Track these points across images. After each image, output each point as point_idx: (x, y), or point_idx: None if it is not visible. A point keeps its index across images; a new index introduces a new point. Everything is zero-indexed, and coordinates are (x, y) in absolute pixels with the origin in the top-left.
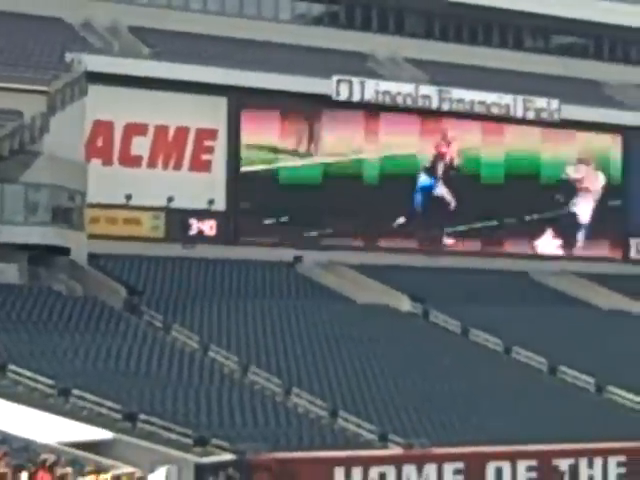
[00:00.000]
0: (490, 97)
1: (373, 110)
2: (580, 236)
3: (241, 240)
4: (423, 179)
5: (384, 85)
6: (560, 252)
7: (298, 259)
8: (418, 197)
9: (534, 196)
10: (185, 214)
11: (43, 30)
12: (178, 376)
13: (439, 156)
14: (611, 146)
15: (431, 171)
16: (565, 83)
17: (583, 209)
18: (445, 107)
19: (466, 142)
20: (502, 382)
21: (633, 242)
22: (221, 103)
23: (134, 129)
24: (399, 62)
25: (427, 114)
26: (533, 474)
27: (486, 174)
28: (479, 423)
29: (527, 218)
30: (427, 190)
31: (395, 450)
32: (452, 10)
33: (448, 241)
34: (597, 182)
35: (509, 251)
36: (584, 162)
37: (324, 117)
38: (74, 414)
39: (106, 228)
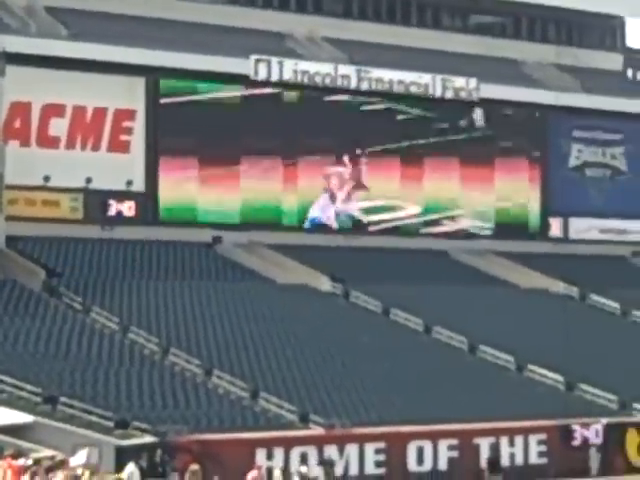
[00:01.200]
0: (409, 76)
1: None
2: None
3: (160, 221)
4: None
5: (303, 65)
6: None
7: (217, 240)
8: None
9: None
10: (104, 195)
11: None
12: (98, 358)
13: None
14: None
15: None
16: (484, 62)
17: None
18: (364, 87)
19: None
20: (423, 361)
21: (553, 221)
22: (139, 84)
23: (52, 110)
24: (318, 41)
25: None
26: (454, 453)
27: None
28: (400, 403)
29: None
30: None
31: (316, 430)
32: None
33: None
34: None
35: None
36: None
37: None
38: None
39: (24, 210)
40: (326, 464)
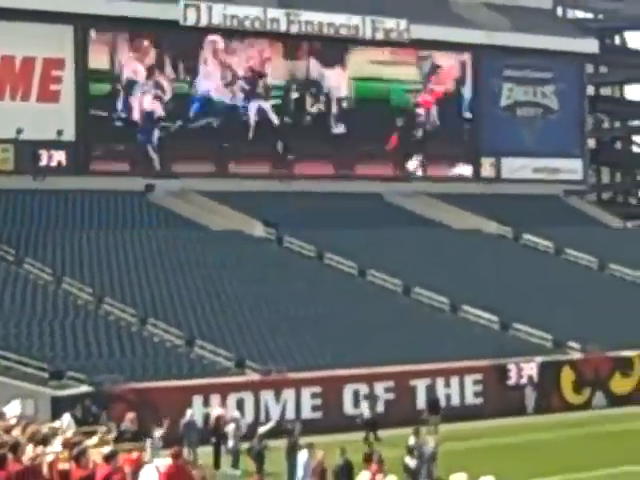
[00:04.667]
0: (339, 19)
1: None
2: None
3: (91, 170)
4: None
5: (232, 9)
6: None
7: (150, 188)
8: None
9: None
10: (34, 145)
11: None
12: (32, 310)
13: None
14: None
15: None
16: (413, 3)
17: None
18: (294, 30)
19: None
20: (357, 305)
21: (484, 161)
22: (67, 32)
23: None
24: None
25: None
26: (390, 395)
27: None
28: (335, 347)
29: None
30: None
31: (252, 376)
32: None
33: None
34: None
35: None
36: None
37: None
38: None
39: None
40: (370, 398)
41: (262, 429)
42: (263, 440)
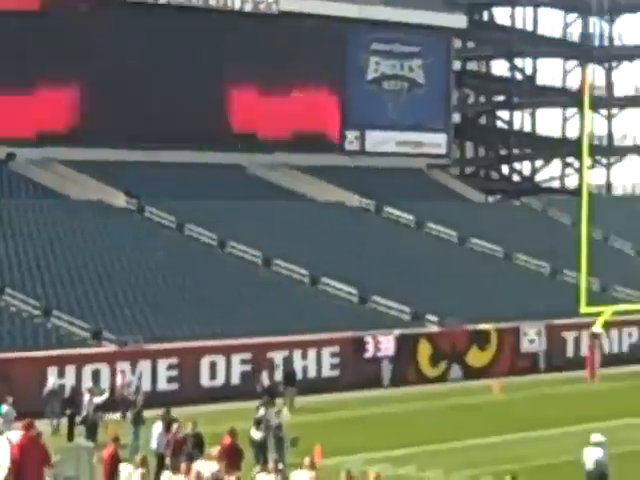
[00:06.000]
0: None
1: None
2: None
3: None
4: None
5: None
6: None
7: (11, 156)
8: None
9: None
10: None
11: None
12: None
13: None
14: None
15: None
16: None
17: None
18: (162, 0)
19: None
20: (217, 276)
21: (349, 134)
22: None
23: None
24: None
25: None
26: (247, 367)
27: None
28: (193, 318)
29: None
30: None
31: (108, 347)
32: None
33: None
34: None
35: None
36: None
37: None
38: None
39: None
40: (269, 367)
41: (97, 399)
42: (98, 411)
